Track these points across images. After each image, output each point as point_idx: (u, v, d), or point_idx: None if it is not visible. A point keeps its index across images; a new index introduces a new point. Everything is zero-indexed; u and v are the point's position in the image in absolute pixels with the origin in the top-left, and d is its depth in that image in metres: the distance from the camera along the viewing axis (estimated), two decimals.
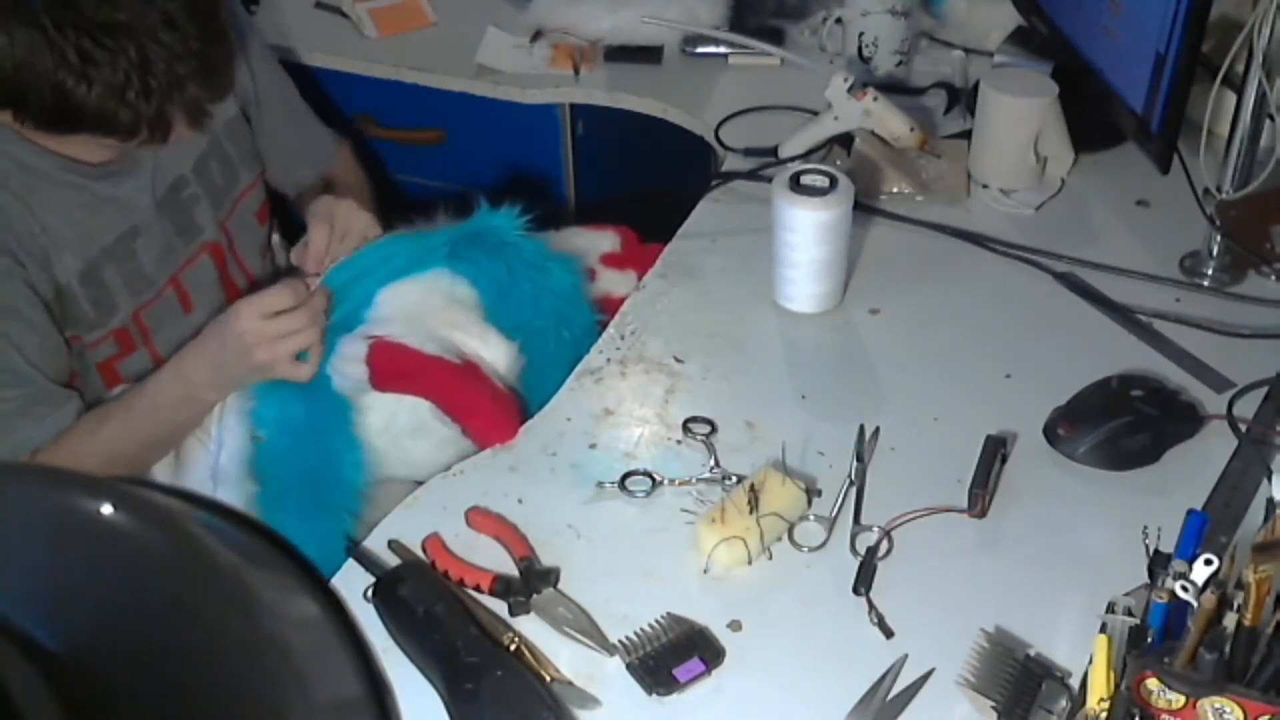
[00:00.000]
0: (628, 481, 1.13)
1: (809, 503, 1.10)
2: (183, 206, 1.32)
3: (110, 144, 1.16)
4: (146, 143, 1.15)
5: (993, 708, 0.92)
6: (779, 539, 1.07)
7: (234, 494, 1.21)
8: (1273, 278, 1.38)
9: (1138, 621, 0.89)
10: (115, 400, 1.27)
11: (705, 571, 1.05)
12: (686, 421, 1.19)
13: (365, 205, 1.39)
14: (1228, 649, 0.80)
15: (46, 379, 1.21)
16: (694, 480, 1.13)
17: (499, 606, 1.02)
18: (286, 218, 1.57)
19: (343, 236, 1.33)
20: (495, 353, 1.27)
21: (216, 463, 1.23)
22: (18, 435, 1.20)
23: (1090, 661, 0.86)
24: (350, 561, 1.07)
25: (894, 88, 1.70)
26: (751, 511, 1.06)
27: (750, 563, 1.05)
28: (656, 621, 1.00)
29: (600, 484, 1.13)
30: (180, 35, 1.09)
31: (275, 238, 1.53)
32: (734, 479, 1.12)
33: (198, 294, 1.35)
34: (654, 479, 1.13)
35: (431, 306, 1.27)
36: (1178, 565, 0.85)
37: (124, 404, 1.25)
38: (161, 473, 1.29)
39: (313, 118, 1.58)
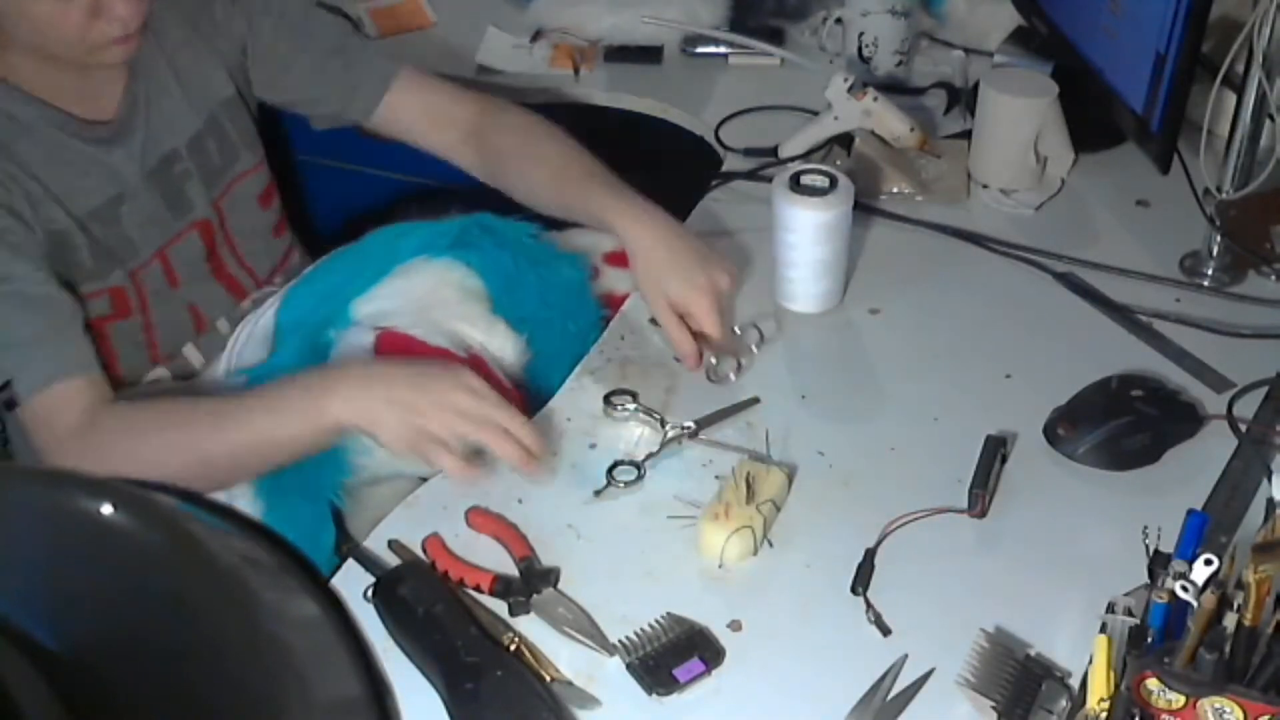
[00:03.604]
0: (615, 471, 1.13)
1: (789, 485, 1.11)
2: (174, 181, 1.31)
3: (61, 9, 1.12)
4: (89, 19, 1.13)
5: (993, 708, 0.92)
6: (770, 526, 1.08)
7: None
8: (1273, 278, 1.38)
9: (1138, 621, 0.89)
10: (201, 397, 1.21)
11: (720, 566, 1.05)
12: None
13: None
14: (1228, 649, 0.80)
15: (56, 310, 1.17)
16: (693, 481, 1.13)
17: (499, 606, 1.02)
18: (296, 195, 1.57)
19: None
20: (503, 345, 1.27)
21: None
22: (34, 367, 1.14)
23: (1090, 661, 0.86)
24: (350, 561, 1.07)
25: (894, 88, 1.69)
26: (750, 501, 1.06)
27: (756, 552, 1.06)
28: (656, 621, 1.00)
29: (600, 484, 1.13)
30: None
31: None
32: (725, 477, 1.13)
33: (183, 270, 1.34)
34: (639, 469, 1.13)
35: (442, 299, 1.27)
36: (1178, 565, 0.85)
37: (219, 399, 1.19)
38: None
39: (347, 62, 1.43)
